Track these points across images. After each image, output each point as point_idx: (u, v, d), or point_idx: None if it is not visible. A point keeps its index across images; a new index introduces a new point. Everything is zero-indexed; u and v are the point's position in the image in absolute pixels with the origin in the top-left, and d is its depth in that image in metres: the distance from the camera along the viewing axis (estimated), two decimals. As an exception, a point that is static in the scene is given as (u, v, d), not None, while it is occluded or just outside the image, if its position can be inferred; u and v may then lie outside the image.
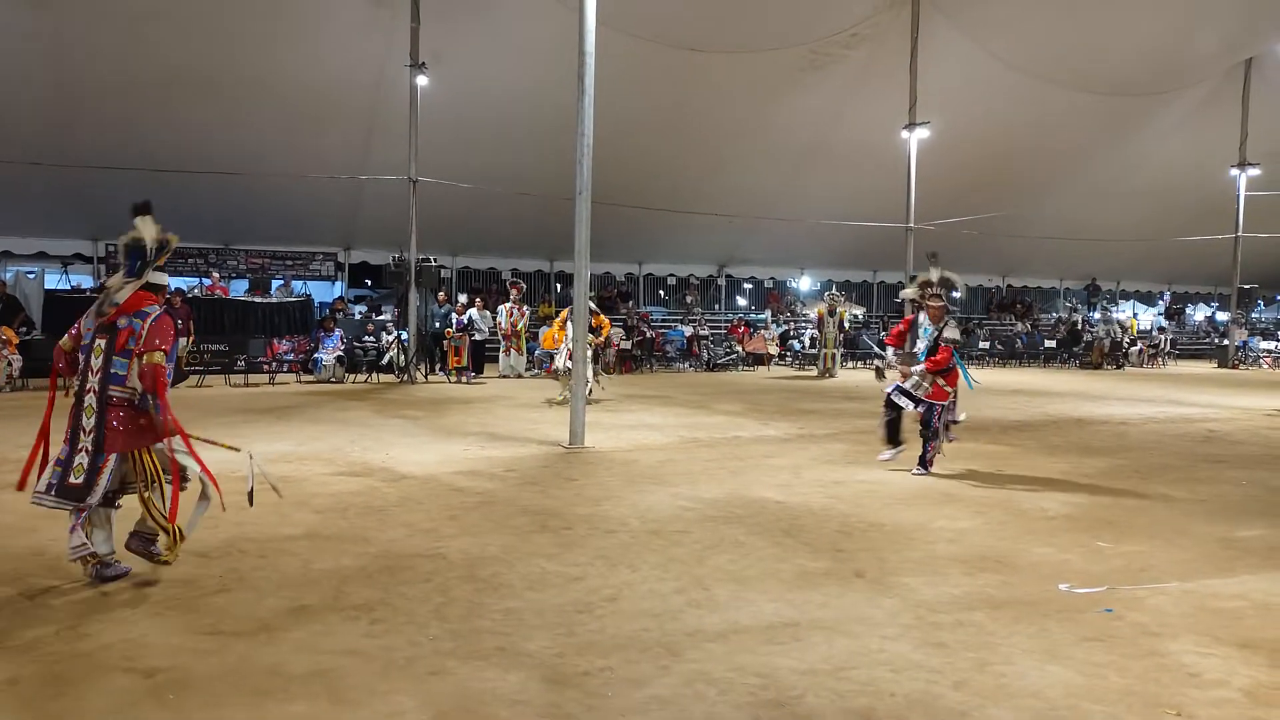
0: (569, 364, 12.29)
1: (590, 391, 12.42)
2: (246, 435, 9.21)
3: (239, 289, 20.78)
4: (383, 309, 20.67)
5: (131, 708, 3.07)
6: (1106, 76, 21.28)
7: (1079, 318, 27.42)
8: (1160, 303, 31.99)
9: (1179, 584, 4.62)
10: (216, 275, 20.16)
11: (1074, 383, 18.90)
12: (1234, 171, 24.51)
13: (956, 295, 7.97)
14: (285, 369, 16.62)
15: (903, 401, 7.65)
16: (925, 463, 7.53)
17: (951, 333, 7.60)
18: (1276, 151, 23.59)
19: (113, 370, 4.31)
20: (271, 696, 3.16)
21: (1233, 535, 5.69)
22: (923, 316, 7.72)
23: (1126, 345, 25.41)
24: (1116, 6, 19.50)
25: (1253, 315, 30.12)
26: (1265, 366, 25.11)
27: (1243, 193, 24.57)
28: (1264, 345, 27.29)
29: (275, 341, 17.12)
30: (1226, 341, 26.31)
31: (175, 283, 19.37)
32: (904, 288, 18.18)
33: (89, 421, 4.27)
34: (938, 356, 7.49)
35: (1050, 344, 25.90)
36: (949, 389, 7.67)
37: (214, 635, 3.73)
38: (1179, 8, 19.94)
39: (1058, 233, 25.64)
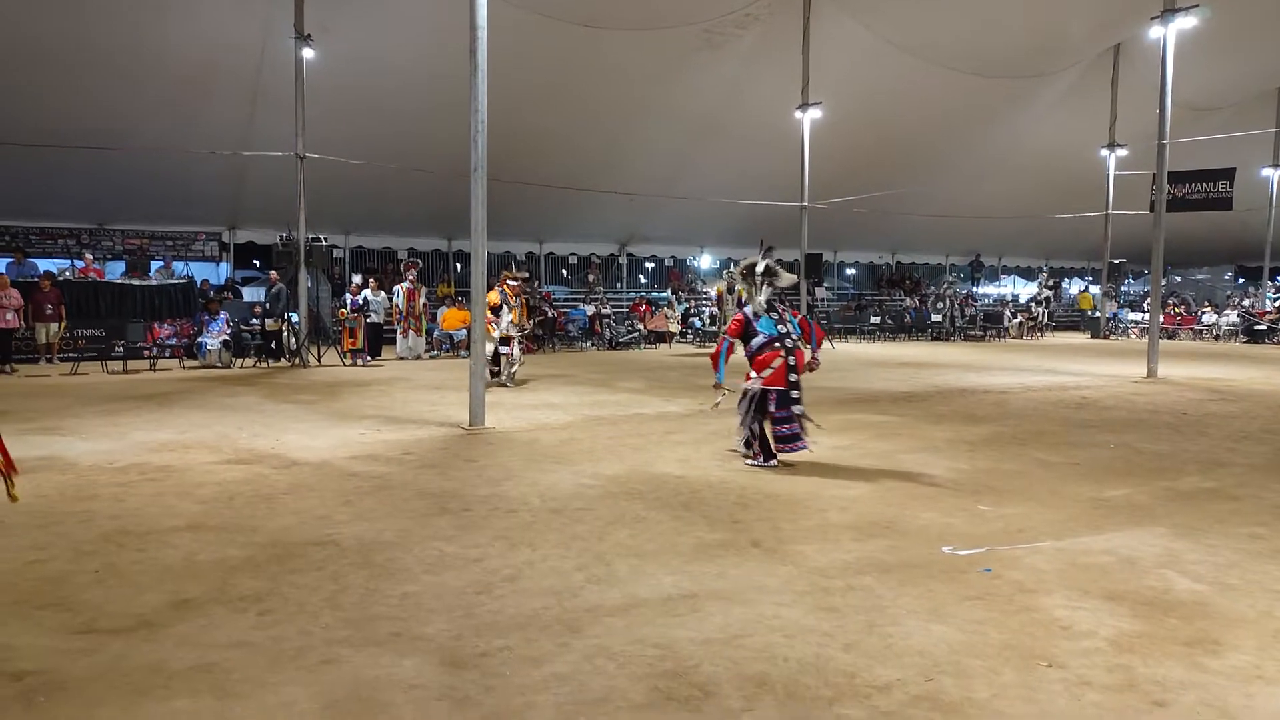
0: (503, 350, 12.23)
1: (514, 373, 12.48)
2: (126, 424, 8.79)
3: (115, 271, 19.71)
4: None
5: (-4, 714, 2.90)
6: (987, 59, 22.08)
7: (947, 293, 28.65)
8: (1041, 276, 33.58)
9: (1053, 543, 4.88)
10: (90, 257, 19.07)
11: (959, 354, 19.70)
12: (1104, 152, 25.87)
13: (781, 284, 7.18)
14: (168, 354, 15.89)
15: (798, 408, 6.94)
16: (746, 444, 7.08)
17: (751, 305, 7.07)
18: (1142, 133, 25.02)
19: None
20: (151, 695, 3.03)
21: (1102, 495, 6.03)
22: (748, 308, 7.11)
23: (963, 318, 26.72)
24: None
25: (1122, 288, 31.93)
26: (1133, 336, 26.68)
27: (1112, 172, 25.98)
28: (1132, 317, 28.99)
29: (156, 326, 16.33)
30: (1098, 313, 27.84)
31: (44, 265, 18.27)
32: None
33: None
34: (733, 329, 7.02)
35: (937, 318, 26.93)
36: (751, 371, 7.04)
37: (88, 634, 3.54)
38: (1054, -6, 20.86)
39: (943, 210, 26.61)
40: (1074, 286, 35.31)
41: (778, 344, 6.88)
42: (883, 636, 3.55)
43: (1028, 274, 34.87)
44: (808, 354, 7.09)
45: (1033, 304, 28.94)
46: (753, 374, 6.96)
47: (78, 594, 3.99)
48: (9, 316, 14.27)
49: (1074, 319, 31.40)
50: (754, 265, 7.25)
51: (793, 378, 6.88)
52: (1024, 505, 5.73)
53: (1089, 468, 6.98)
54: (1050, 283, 30.24)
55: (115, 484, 6.15)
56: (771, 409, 6.86)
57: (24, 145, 15.52)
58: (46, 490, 5.92)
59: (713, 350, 7.34)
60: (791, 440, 6.88)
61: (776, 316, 7.04)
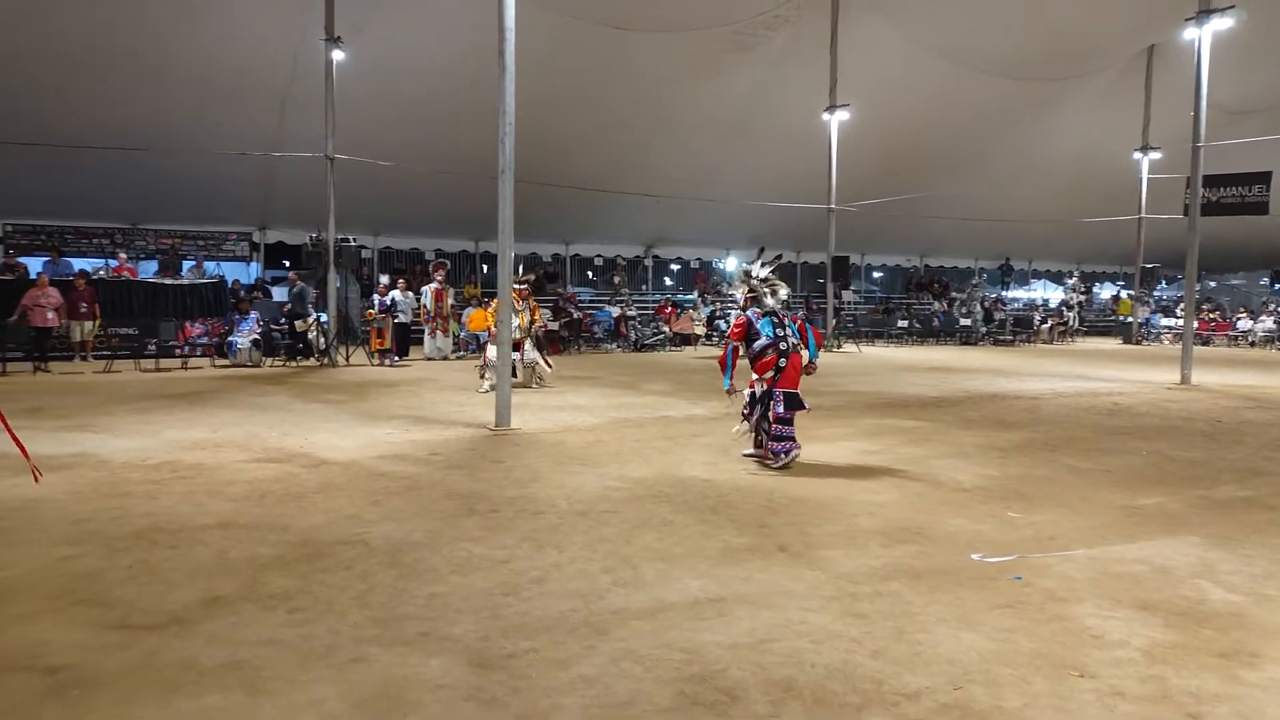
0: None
1: (540, 377, 12.53)
2: (158, 421, 8.91)
3: (148, 270, 20.00)
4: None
5: (30, 708, 2.94)
6: (1019, 62, 21.85)
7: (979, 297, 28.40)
8: (1069, 281, 33.20)
9: (1084, 551, 4.81)
10: (124, 256, 19.36)
11: (989, 359, 19.51)
12: (1137, 155, 25.51)
13: (781, 295, 7.39)
14: (199, 353, 16.09)
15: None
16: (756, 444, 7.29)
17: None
18: (1176, 136, 24.64)
19: None
20: (182, 691, 3.06)
21: (1134, 503, 5.95)
22: (750, 311, 7.30)
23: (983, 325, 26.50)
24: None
25: (1155, 293, 31.47)
26: (1166, 342, 26.28)
27: (1145, 176, 25.60)
28: (1165, 322, 28.54)
29: (188, 324, 16.55)
30: (1130, 319, 27.45)
31: (79, 264, 18.57)
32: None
33: None
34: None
35: (966, 322, 26.67)
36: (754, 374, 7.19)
37: (121, 629, 3.59)
38: (1087, -4, 20.61)
39: (973, 214, 26.35)
40: (1105, 291, 34.87)
41: (773, 348, 7.05)
42: (911, 643, 3.52)
43: (1059, 278, 34.47)
44: (805, 357, 7.21)
45: (1064, 308, 28.61)
46: (755, 376, 7.13)
47: (110, 590, 4.04)
48: (48, 315, 14.52)
49: (1106, 324, 30.99)
50: (750, 271, 7.46)
51: (777, 377, 7.03)
52: (1055, 512, 5.66)
53: (1121, 475, 6.89)
54: (1081, 287, 29.85)
55: (148, 481, 6.23)
56: (780, 409, 6.95)
57: (59, 146, 15.82)
58: (80, 487, 6.01)
59: (719, 355, 7.39)
60: (784, 440, 6.95)
61: (776, 320, 7.19)
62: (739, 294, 7.64)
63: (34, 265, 18.38)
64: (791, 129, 21.96)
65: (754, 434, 7.25)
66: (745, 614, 3.82)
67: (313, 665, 3.27)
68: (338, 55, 16.22)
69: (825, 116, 21.02)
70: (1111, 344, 26.62)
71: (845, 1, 19.91)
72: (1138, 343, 26.17)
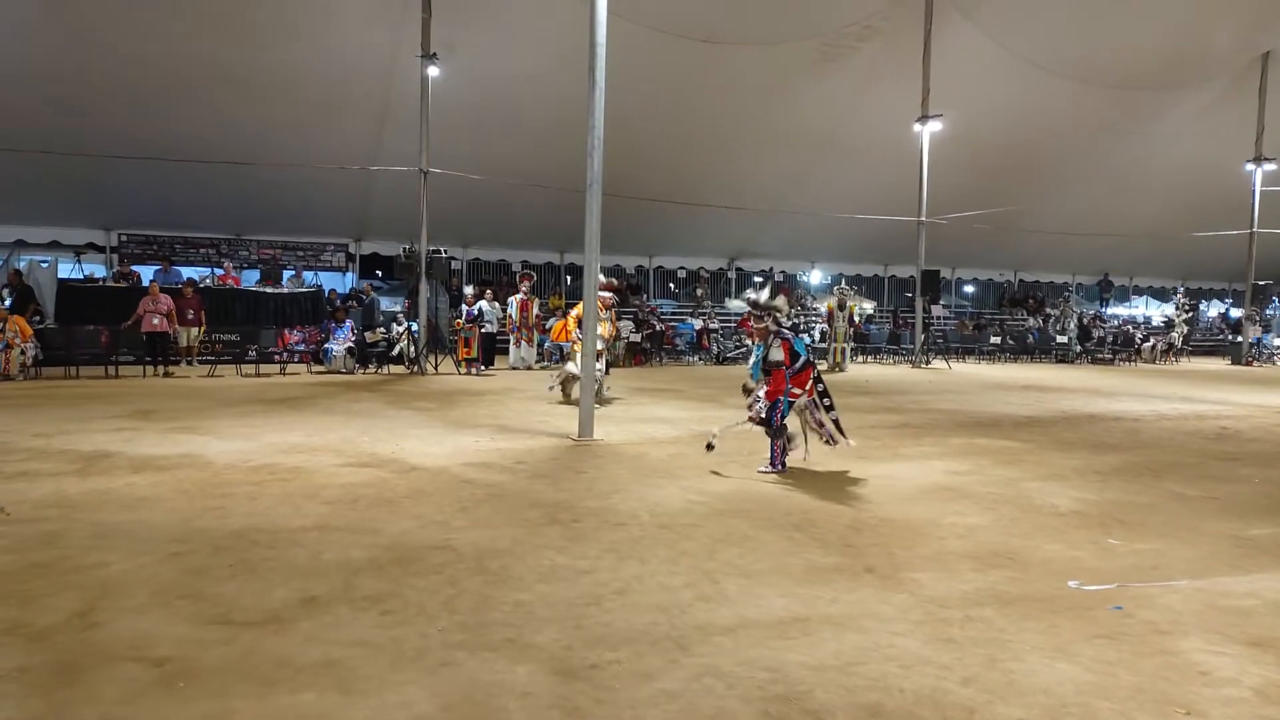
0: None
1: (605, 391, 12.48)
2: (258, 425, 9.27)
3: (250, 279, 20.87)
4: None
5: (140, 697, 3.09)
6: (1121, 70, 21.12)
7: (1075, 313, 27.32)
8: (1174, 298, 31.78)
9: (1190, 582, 4.59)
10: (228, 265, 20.25)
11: (1087, 379, 18.81)
12: (1250, 166, 24.29)
13: (781, 317, 7.56)
14: (296, 359, 16.69)
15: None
16: (773, 461, 7.35)
17: (776, 354, 7.35)
18: (1293, 146, 23.46)
19: None
20: (280, 686, 3.17)
21: (1245, 533, 5.64)
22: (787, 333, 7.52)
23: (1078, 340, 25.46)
24: (1132, 0, 19.37)
25: (1267, 312, 29.88)
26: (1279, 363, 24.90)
27: (1258, 188, 24.35)
28: (1278, 342, 27.04)
29: (286, 332, 17.20)
30: (1240, 338, 26.12)
31: (187, 272, 19.49)
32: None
33: None
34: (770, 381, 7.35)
35: (1062, 340, 25.76)
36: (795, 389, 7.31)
37: (224, 625, 3.74)
38: (1196, 2, 19.77)
39: (1070, 227, 25.50)
40: (1212, 309, 33.26)
41: (809, 361, 7.54)
42: (1004, 672, 3.40)
43: (1162, 295, 33.02)
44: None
45: (1168, 326, 27.38)
46: (796, 390, 7.37)
47: (214, 587, 4.22)
48: (154, 321, 15.27)
49: (1213, 344, 29.53)
50: (757, 300, 7.63)
51: (820, 386, 7.61)
52: (1158, 541, 5.41)
53: (1230, 503, 6.55)
54: (1187, 304, 28.53)
55: (248, 483, 6.49)
56: (832, 415, 7.56)
57: (169, 161, 16.68)
58: (186, 486, 6.30)
59: (774, 388, 7.31)
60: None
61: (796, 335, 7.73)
62: (824, 307, 7.88)
63: (145, 274, 19.38)
64: (881, 140, 21.64)
65: (781, 444, 7.43)
66: (831, 635, 3.76)
67: (403, 667, 3.35)
68: (433, 72, 16.68)
69: (916, 127, 20.64)
70: (1219, 364, 25.37)
71: (939, 11, 19.55)
72: (1248, 363, 24.86)
